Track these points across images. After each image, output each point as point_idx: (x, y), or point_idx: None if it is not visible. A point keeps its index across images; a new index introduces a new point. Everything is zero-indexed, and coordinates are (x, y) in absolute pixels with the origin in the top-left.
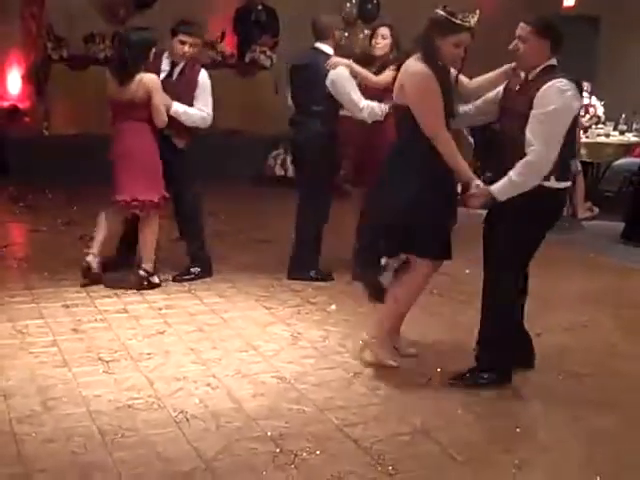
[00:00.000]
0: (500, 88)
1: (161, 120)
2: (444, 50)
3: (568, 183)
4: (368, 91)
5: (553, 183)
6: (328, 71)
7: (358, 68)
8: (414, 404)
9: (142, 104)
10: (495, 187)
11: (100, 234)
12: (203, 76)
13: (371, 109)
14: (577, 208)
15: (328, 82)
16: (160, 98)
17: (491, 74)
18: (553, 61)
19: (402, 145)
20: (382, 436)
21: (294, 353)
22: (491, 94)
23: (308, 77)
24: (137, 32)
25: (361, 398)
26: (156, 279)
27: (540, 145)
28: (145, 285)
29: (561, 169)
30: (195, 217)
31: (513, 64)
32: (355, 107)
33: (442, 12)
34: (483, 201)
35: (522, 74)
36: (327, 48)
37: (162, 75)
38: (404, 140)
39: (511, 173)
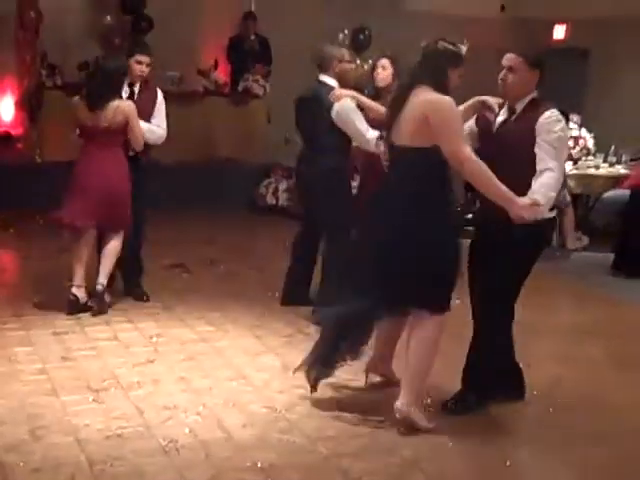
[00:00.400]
0: (471, 122)
1: (140, 144)
2: (452, 81)
3: (554, 212)
4: (373, 123)
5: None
6: (332, 103)
7: (364, 99)
8: (404, 435)
9: (119, 130)
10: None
11: (81, 264)
12: (160, 94)
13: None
14: (567, 239)
15: (333, 114)
16: (138, 123)
17: (460, 108)
18: (536, 93)
19: (411, 188)
20: (371, 467)
21: (284, 383)
22: (465, 126)
23: (313, 110)
24: (113, 60)
25: (351, 429)
26: (107, 297)
27: (557, 164)
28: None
29: None
30: (142, 230)
31: (481, 98)
32: (362, 137)
33: (448, 44)
34: (533, 212)
35: (496, 107)
36: (330, 80)
37: (123, 97)
38: (415, 182)
39: (545, 190)
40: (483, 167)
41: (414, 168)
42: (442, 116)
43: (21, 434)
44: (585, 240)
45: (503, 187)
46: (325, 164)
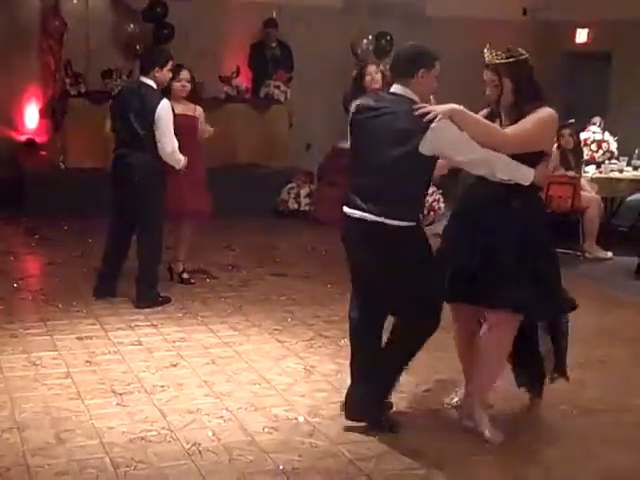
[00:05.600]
0: None
1: None
2: None
3: None
4: None
5: None
6: None
7: None
8: (429, 439)
9: None
10: None
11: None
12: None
13: None
14: (585, 244)
15: None
16: None
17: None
18: None
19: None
20: (396, 471)
21: (307, 387)
22: None
23: None
24: None
25: (374, 432)
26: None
27: None
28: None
29: None
30: None
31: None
32: None
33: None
34: None
35: None
36: None
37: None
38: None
39: None
40: None
41: None
42: None
43: (46, 437)
44: (607, 254)
45: None
46: None
